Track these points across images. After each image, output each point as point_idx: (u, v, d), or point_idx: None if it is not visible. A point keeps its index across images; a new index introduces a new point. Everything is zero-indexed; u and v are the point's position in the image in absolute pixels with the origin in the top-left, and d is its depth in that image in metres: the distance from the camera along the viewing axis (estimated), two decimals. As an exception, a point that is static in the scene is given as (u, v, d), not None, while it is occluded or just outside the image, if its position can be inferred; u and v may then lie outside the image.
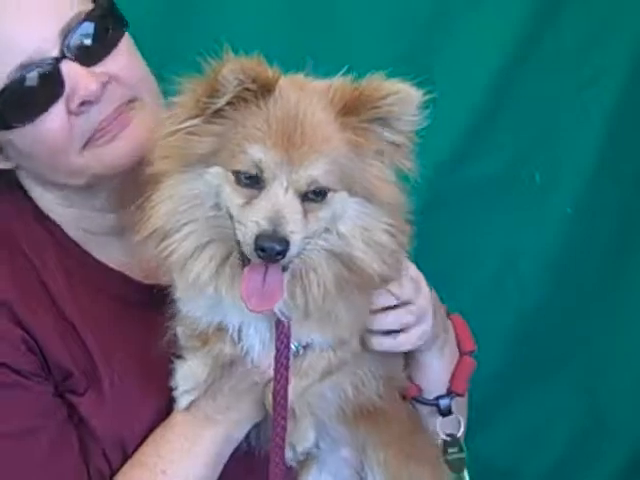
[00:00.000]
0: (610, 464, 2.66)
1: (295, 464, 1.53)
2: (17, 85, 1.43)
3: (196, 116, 1.30)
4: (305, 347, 1.44)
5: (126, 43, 1.52)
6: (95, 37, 1.46)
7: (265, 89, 1.27)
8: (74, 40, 1.44)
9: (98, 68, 1.46)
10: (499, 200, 2.44)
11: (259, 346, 1.42)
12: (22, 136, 1.47)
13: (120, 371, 1.52)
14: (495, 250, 2.46)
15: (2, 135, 1.49)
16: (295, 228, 1.25)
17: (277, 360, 1.39)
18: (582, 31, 2.44)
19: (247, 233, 1.25)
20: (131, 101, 1.50)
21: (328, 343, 1.42)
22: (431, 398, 1.66)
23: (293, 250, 1.25)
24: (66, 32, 1.43)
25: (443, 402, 1.65)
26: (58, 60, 1.43)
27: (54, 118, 1.45)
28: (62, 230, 1.58)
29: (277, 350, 1.39)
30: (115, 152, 1.49)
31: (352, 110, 1.30)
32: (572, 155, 2.47)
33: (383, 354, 1.52)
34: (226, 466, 1.53)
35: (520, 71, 2.41)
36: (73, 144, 1.47)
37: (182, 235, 1.33)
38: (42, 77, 1.43)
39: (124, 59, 1.50)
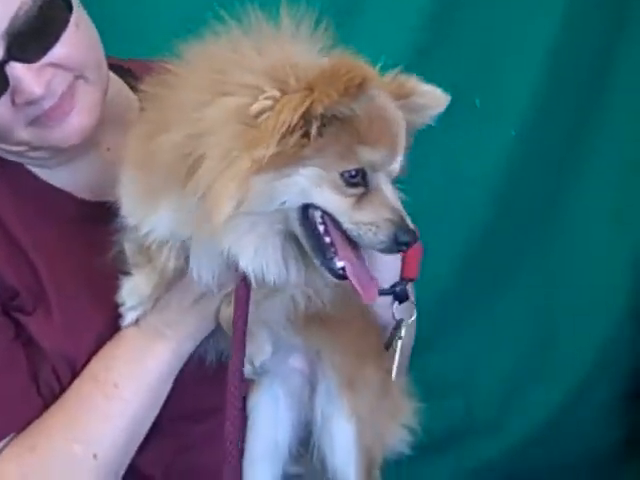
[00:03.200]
0: (560, 381, 2.73)
1: (256, 377, 1.53)
2: None
3: (316, 118, 1.25)
4: None
5: (72, 24, 1.47)
6: (40, 32, 1.42)
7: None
8: (18, 40, 1.39)
9: (43, 60, 1.43)
10: (441, 127, 2.47)
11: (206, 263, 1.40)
12: None
13: (69, 289, 1.52)
14: (439, 175, 2.51)
15: None
16: (410, 220, 1.32)
17: (237, 292, 1.39)
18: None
19: (381, 232, 1.28)
20: (77, 77, 1.49)
21: None
22: (387, 288, 1.66)
23: None
24: (10, 33, 1.39)
25: (399, 288, 1.65)
26: (3, 63, 1.40)
27: None
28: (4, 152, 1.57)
29: (237, 283, 1.38)
30: (59, 135, 1.50)
31: (400, 97, 1.36)
32: (513, 79, 2.53)
33: None
34: (177, 378, 1.53)
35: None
36: (17, 125, 1.47)
37: (231, 226, 1.29)
38: None
39: (70, 44, 1.46)
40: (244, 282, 1.38)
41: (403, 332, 1.64)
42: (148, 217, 1.38)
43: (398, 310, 1.66)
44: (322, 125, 1.26)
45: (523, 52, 2.53)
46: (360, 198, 1.30)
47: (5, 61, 1.40)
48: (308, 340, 1.58)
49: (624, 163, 2.69)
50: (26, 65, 1.41)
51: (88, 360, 1.51)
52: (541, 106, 2.57)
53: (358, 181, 1.29)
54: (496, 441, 2.70)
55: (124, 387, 1.50)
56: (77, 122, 1.50)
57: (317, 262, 1.34)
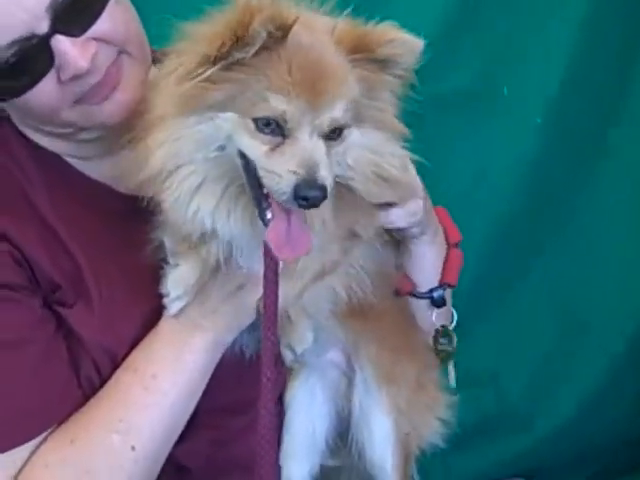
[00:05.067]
0: (591, 371, 2.72)
1: (296, 365, 1.56)
2: (8, 62, 1.42)
3: (214, 63, 1.27)
4: None
5: (113, 1, 1.49)
6: (82, 7, 1.44)
7: (285, 34, 1.27)
8: (63, 14, 1.41)
9: (87, 34, 1.45)
10: (469, 114, 2.49)
11: (246, 250, 1.43)
12: (21, 100, 1.48)
13: (108, 281, 1.54)
14: (467, 162, 2.51)
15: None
16: (327, 172, 1.27)
17: (266, 271, 1.40)
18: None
19: (283, 182, 1.26)
20: (120, 52, 1.50)
21: (315, 247, 1.43)
22: (425, 291, 1.69)
23: (328, 195, 1.26)
24: (55, 6, 1.41)
25: (437, 294, 1.69)
26: (48, 36, 1.41)
27: (45, 87, 1.45)
28: (43, 147, 1.59)
29: (265, 263, 1.40)
30: (105, 113, 1.51)
31: (360, 49, 1.32)
32: (540, 67, 2.52)
33: (374, 248, 1.53)
34: (215, 371, 1.54)
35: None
36: (64, 104, 1.48)
37: (181, 176, 1.34)
38: (32, 54, 1.42)
39: (112, 18, 1.48)
40: (272, 263, 1.39)
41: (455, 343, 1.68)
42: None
43: (436, 315, 1.69)
44: (225, 70, 1.27)
45: (550, 41, 2.53)
46: (276, 147, 1.28)
47: (50, 35, 1.41)
48: (346, 332, 1.59)
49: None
50: (71, 39, 1.43)
51: (128, 352, 1.53)
52: (568, 94, 2.57)
53: (273, 129, 1.28)
54: (528, 432, 2.70)
55: (163, 379, 1.51)
56: (122, 98, 1.50)
57: (256, 212, 1.34)
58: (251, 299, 1.49)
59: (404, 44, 1.34)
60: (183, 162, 1.34)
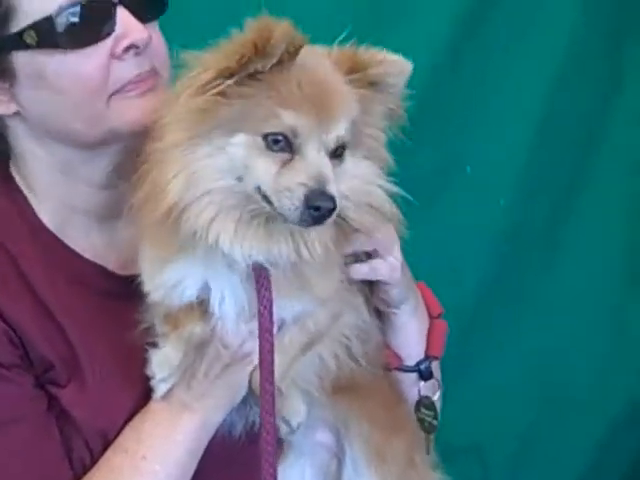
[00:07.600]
0: (580, 438, 2.70)
1: (290, 438, 1.54)
2: (72, 12, 1.45)
3: (230, 76, 1.30)
4: (280, 325, 1.46)
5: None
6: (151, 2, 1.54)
7: (297, 51, 1.32)
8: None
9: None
10: (432, 195, 2.51)
11: (233, 318, 1.44)
12: (59, 65, 1.48)
13: (101, 362, 1.54)
14: (431, 243, 2.46)
15: (38, 59, 1.49)
16: (334, 187, 1.30)
17: (261, 326, 1.40)
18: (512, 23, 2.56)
19: (294, 196, 1.27)
20: (155, 73, 1.54)
21: (304, 313, 1.47)
22: (412, 365, 1.70)
23: (337, 208, 1.30)
24: None
25: (423, 366, 1.69)
26: (115, 4, 1.47)
27: (97, 55, 1.48)
28: (39, 220, 1.60)
29: (260, 315, 1.40)
30: (138, 109, 1.50)
31: (355, 69, 1.38)
32: (503, 147, 2.57)
33: (362, 317, 1.56)
34: (206, 451, 1.54)
35: (450, 66, 2.52)
36: (105, 88, 1.49)
37: (200, 207, 1.34)
38: (98, 12, 1.47)
39: (158, 35, 1.55)
40: (267, 337, 1.40)
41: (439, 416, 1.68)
42: (166, 280, 1.42)
43: (423, 388, 1.69)
44: (239, 85, 1.30)
45: (513, 120, 2.58)
46: (284, 164, 1.30)
47: (117, 3, 1.47)
48: (336, 409, 1.58)
49: (614, 234, 2.72)
50: (134, 17, 1.48)
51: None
52: (531, 175, 2.62)
53: (282, 146, 1.30)
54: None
55: (153, 460, 1.50)
56: (146, 106, 1.50)
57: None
58: (239, 377, 1.50)
59: (394, 64, 1.40)
60: (202, 192, 1.33)
